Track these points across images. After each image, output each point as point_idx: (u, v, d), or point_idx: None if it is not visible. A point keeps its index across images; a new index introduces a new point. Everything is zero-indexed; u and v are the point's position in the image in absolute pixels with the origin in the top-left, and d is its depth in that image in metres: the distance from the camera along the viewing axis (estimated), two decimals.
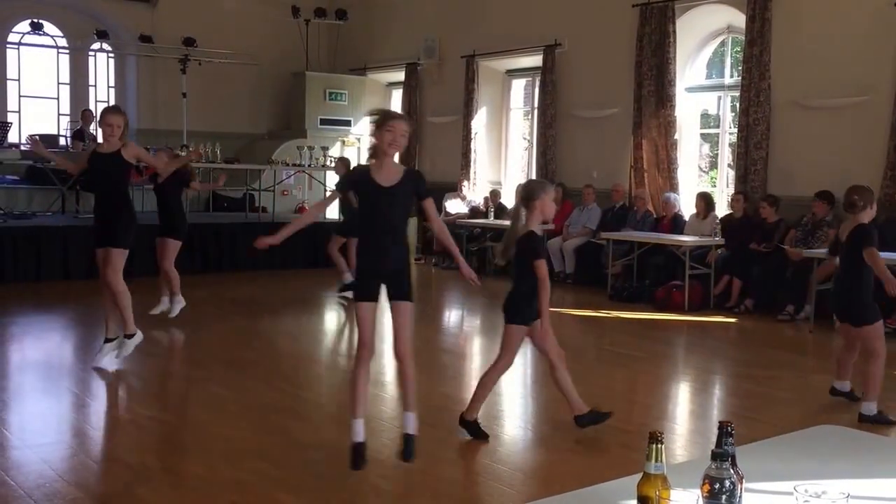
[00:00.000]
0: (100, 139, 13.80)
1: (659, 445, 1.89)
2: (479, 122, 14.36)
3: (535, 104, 13.75)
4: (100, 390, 6.64)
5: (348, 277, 9.58)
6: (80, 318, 9.32)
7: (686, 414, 6.46)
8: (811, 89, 10.31)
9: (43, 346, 8.04)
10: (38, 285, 10.69)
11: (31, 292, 10.10)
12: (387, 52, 16.07)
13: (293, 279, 12.04)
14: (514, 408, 6.42)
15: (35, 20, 14.85)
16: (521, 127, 15.00)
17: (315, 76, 16.12)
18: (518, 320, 5.23)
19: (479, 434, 5.27)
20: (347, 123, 16.29)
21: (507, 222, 12.19)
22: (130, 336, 6.83)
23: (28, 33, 15.18)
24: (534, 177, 13.61)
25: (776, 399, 6.34)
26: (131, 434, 5.40)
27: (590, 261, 11.95)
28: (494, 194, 13.69)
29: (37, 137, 7.75)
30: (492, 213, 13.11)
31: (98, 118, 6.93)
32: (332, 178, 14.77)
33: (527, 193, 5.22)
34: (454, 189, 14.15)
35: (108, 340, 6.79)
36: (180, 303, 8.82)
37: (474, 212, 13.78)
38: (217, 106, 15.82)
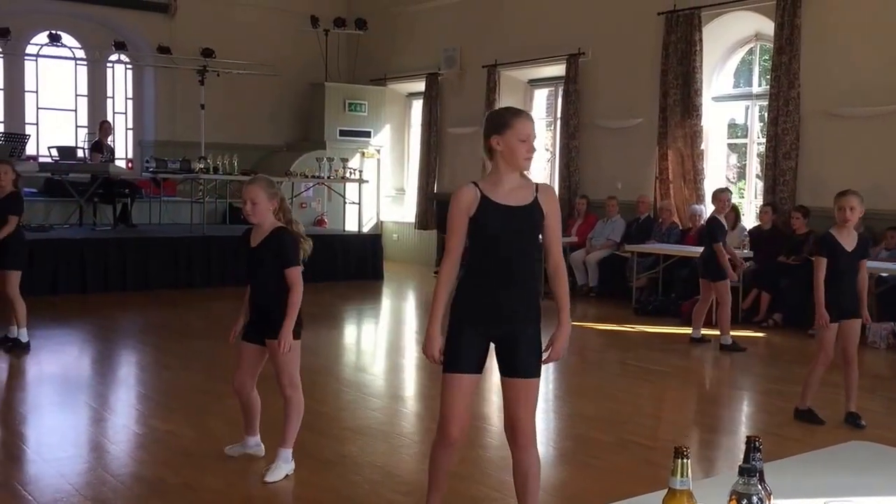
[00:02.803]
0: (110, 154, 13.66)
1: (684, 460, 1.85)
2: None
3: (559, 114, 13.59)
4: (117, 404, 6.62)
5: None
6: (98, 332, 9.26)
7: (712, 430, 6.29)
8: (841, 98, 10.10)
9: (60, 359, 7.95)
10: (55, 298, 10.63)
11: (48, 305, 10.02)
12: (407, 62, 15.95)
13: (311, 293, 11.84)
14: (535, 423, 6.22)
15: (53, 32, 14.82)
16: (543, 137, 14.81)
17: (334, 87, 16.01)
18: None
19: (814, 419, 6.02)
20: (367, 134, 16.16)
21: None
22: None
23: (46, 45, 15.17)
24: (556, 188, 13.45)
25: None
26: (148, 448, 5.34)
27: (614, 274, 11.80)
28: None
29: None
30: None
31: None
32: (351, 190, 14.66)
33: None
34: None
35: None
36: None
37: None
38: (235, 117, 15.75)
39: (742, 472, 1.86)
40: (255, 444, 5.02)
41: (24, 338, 7.86)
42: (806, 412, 6.07)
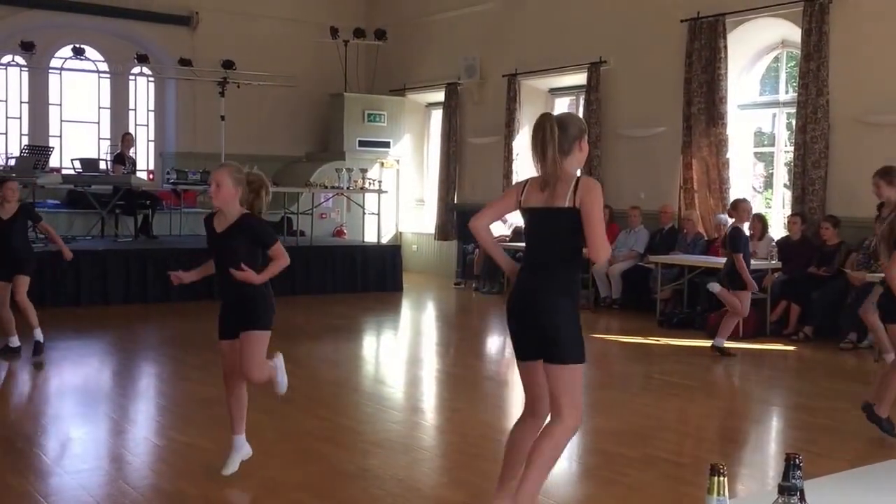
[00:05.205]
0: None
1: (721, 478, 1.84)
2: (522, 142, 14.07)
3: None
4: (138, 416, 6.60)
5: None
6: (119, 343, 9.24)
7: (741, 447, 6.15)
8: (871, 105, 9.93)
9: (81, 371, 7.94)
10: (76, 310, 10.66)
11: (69, 316, 10.04)
12: (426, 72, 15.91)
13: (333, 304, 11.84)
14: None
15: (77, 45, 14.96)
16: None
17: (353, 97, 16.00)
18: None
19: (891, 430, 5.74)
20: (386, 145, 16.12)
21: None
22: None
23: (70, 58, 15.29)
24: None
25: (838, 432, 6.04)
26: (168, 460, 5.32)
27: (637, 285, 11.61)
28: None
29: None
30: None
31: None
32: (371, 201, 14.60)
33: None
34: None
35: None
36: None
37: (517, 234, 13.47)
38: (255, 128, 15.79)
39: (782, 490, 1.83)
40: (244, 442, 4.96)
41: (39, 337, 7.91)
42: (887, 421, 5.76)
